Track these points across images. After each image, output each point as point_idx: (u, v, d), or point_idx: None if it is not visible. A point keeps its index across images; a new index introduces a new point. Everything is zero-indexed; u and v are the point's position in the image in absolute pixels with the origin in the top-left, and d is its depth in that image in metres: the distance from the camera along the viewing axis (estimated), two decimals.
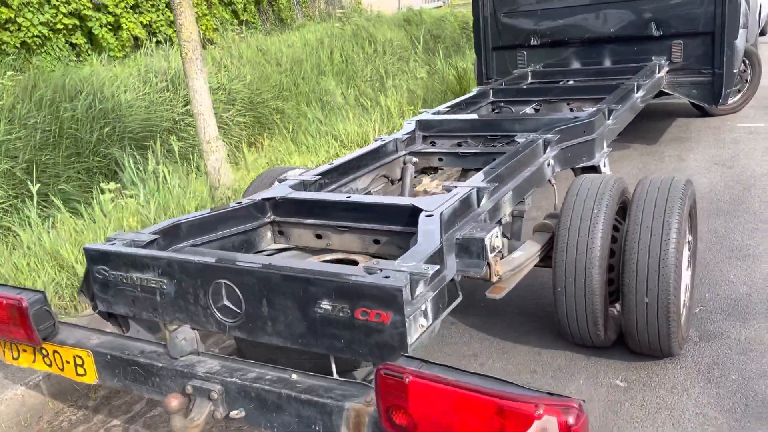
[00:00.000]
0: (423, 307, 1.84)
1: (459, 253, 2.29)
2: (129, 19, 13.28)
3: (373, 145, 3.56)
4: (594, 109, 3.92)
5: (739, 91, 6.88)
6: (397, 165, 3.68)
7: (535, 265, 2.94)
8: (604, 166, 3.76)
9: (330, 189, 3.07)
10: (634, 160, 5.85)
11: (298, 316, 1.87)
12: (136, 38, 13.43)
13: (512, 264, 2.69)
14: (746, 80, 6.85)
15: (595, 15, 5.75)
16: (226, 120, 9.04)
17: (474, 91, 5.19)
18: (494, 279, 2.39)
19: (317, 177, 2.98)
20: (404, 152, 3.71)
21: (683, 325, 2.95)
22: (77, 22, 12.49)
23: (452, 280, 2.23)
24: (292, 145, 7.27)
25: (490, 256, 2.29)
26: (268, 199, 2.71)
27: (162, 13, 14.27)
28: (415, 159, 3.71)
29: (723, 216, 4.39)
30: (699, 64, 5.56)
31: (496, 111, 5.10)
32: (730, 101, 6.86)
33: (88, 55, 12.86)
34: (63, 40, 12.65)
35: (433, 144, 4.08)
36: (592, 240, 2.72)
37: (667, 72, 5.65)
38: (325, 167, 3.16)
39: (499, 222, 2.84)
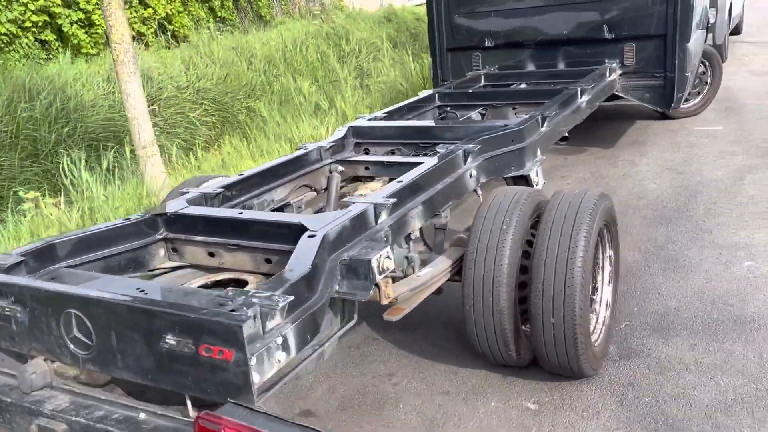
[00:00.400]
0: (279, 341, 1.71)
1: (347, 274, 2.16)
2: (102, 15, 13.07)
3: (293, 154, 3.42)
4: (526, 116, 3.79)
5: (699, 93, 6.77)
6: (323, 174, 3.54)
7: (447, 281, 2.82)
8: (537, 175, 3.64)
9: (236, 202, 2.93)
10: (588, 164, 5.74)
11: (145, 350, 1.73)
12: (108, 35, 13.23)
13: (415, 282, 2.56)
14: (706, 82, 6.75)
15: (548, 17, 5.62)
16: (193, 119, 8.88)
17: (420, 94, 5.06)
18: (385, 302, 2.26)
19: (220, 190, 2.84)
20: (330, 160, 3.57)
21: (599, 344, 2.83)
22: (47, 19, 12.23)
23: (348, 300, 2.12)
24: (248, 148, 7.12)
25: (379, 277, 2.16)
26: (160, 215, 2.57)
27: (135, 10, 14.04)
28: (341, 168, 3.57)
29: (665, 224, 4.28)
30: (651, 68, 5.45)
31: (441, 116, 4.97)
32: (689, 104, 6.77)
33: (59, 52, 12.63)
34: (32, 38, 12.43)
35: (366, 152, 3.94)
36: (501, 257, 2.60)
37: (621, 75, 5.54)
38: (234, 178, 3.02)
39: (409, 237, 2.72)
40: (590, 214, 2.60)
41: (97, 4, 13.05)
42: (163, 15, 14.20)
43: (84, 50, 12.69)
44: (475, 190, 3.33)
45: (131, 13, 13.64)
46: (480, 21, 5.89)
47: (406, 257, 2.78)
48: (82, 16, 12.95)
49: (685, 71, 5.30)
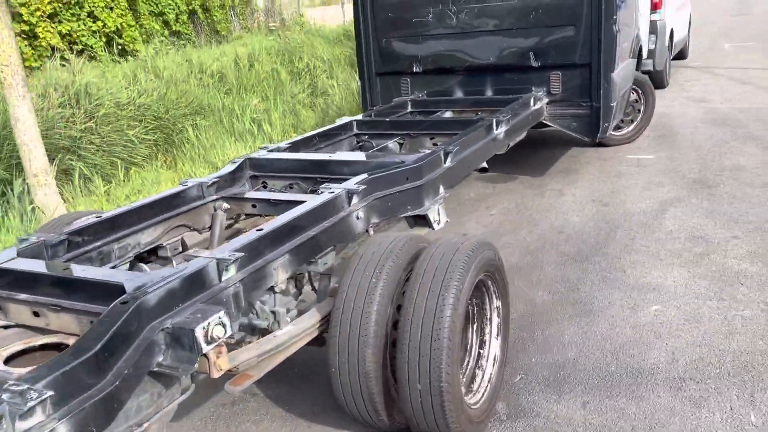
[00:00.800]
0: None
1: (171, 344, 1.89)
2: (46, 28, 12.63)
3: (170, 191, 3.14)
4: (427, 152, 3.57)
5: (633, 121, 6.67)
6: (206, 212, 3.27)
7: (317, 337, 2.56)
8: (437, 213, 3.41)
9: (89, 248, 2.63)
10: (516, 193, 5.55)
11: None
12: (54, 48, 12.77)
13: (267, 345, 2.30)
14: (639, 110, 6.65)
15: (476, 44, 5.44)
16: (131, 137, 8.50)
17: (337, 121, 4.82)
18: (216, 374, 2.00)
19: (65, 236, 2.55)
20: (214, 197, 3.30)
21: (482, 404, 2.60)
22: None
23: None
24: (174, 171, 6.82)
25: (207, 347, 1.89)
26: None
27: (84, 23, 13.61)
28: (226, 205, 3.30)
29: (581, 262, 4.10)
30: (578, 96, 5.29)
31: (359, 144, 4.74)
32: (623, 131, 6.66)
33: None
34: None
35: (264, 186, 3.68)
36: (368, 315, 2.35)
37: (548, 103, 5.38)
38: (91, 220, 2.73)
39: (272, 289, 2.46)
40: (463, 268, 2.37)
41: (41, 17, 12.64)
42: (113, 28, 13.80)
43: (27, 63, 12.22)
44: (367, 231, 3.09)
45: (79, 26, 13.23)
46: (408, 45, 5.69)
47: (273, 311, 2.52)
48: (26, 28, 12.52)
49: (610, 101, 5.16)
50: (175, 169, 6.92)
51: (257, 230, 2.42)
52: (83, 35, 13.37)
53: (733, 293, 3.53)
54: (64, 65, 11.12)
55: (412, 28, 5.62)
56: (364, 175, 3.06)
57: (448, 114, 5.36)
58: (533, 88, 5.38)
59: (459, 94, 5.69)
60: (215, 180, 3.31)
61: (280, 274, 2.43)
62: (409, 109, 5.54)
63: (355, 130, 4.76)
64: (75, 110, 8.65)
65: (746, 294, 3.52)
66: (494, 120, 4.27)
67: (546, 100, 5.36)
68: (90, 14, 13.49)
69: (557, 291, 3.75)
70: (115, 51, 13.26)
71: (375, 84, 5.93)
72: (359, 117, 4.91)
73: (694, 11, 13.32)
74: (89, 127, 8.45)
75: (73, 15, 13.25)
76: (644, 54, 8.62)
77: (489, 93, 5.58)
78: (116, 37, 13.84)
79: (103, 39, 13.74)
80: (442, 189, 3.50)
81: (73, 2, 13.12)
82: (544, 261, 4.14)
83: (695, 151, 6.24)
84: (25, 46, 12.32)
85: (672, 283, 3.71)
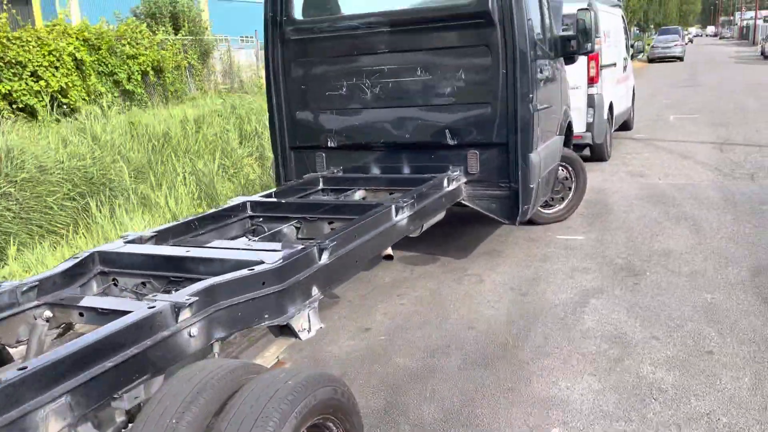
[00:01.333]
0: None
1: None
2: None
3: None
4: (297, 248, 3.11)
5: (563, 199, 6.35)
6: (22, 322, 2.74)
7: None
8: (307, 320, 2.94)
9: None
10: (433, 278, 5.11)
11: None
12: None
13: None
14: (570, 188, 6.34)
15: (391, 119, 5.10)
16: (51, 203, 7.93)
17: (229, 202, 4.36)
18: None
19: None
20: (35, 303, 2.78)
21: None
22: None
23: None
24: (58, 249, 6.26)
25: None
26: None
27: (25, 82, 13.12)
28: (49, 313, 2.78)
29: (485, 367, 3.62)
30: (496, 177, 4.94)
31: (252, 228, 4.28)
32: (553, 209, 6.33)
33: None
34: None
35: (115, 283, 3.17)
36: None
37: (467, 183, 5.01)
38: None
39: None
40: (279, 417, 1.88)
41: None
42: (57, 88, 13.33)
43: None
44: (211, 346, 2.59)
45: (20, 86, 12.75)
46: (322, 119, 5.32)
47: None
48: None
49: (529, 183, 4.81)
50: (66, 244, 6.35)
51: (20, 368, 1.90)
52: (24, 95, 12.88)
53: (644, 412, 3.08)
54: None
55: (325, 101, 5.26)
56: (205, 283, 2.57)
57: (359, 194, 4.95)
58: (450, 167, 5.02)
59: (376, 171, 5.31)
60: (36, 283, 2.79)
61: (52, 425, 1.90)
62: (321, 186, 5.13)
63: (249, 212, 4.30)
64: None
65: (658, 412, 3.07)
66: (393, 206, 3.86)
67: (464, 179, 4.99)
68: (33, 74, 13.04)
69: (450, 408, 3.25)
70: (57, 111, 12.77)
71: (289, 158, 5.52)
72: (255, 197, 4.45)
73: (647, 83, 13.44)
74: (6, 192, 7.88)
75: (14, 74, 12.78)
76: (581, 128, 8.45)
77: (407, 171, 5.20)
78: (60, 97, 13.37)
79: (46, 98, 13.25)
80: (316, 290, 3.03)
81: (14, 62, 12.68)
82: (444, 366, 3.66)
83: (626, 232, 5.91)
84: None
85: (579, 397, 3.25)
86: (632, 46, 11.76)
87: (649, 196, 7.14)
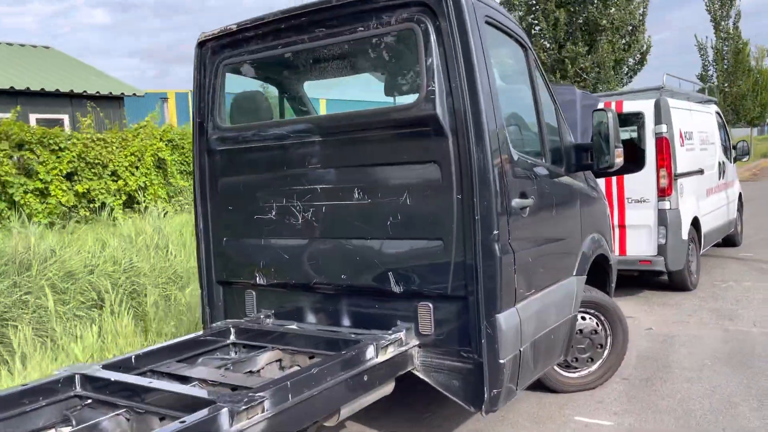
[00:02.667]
0: None
1: None
2: (59, 187, 12.21)
3: None
4: None
5: (592, 360, 4.54)
6: None
7: None
8: None
9: None
10: None
11: None
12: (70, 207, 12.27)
13: None
14: (600, 345, 4.53)
15: (325, 253, 3.73)
16: (60, 314, 7.19)
17: (56, 372, 3.13)
18: None
19: None
20: None
21: None
22: None
23: None
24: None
25: None
26: None
27: (104, 181, 13.15)
28: None
29: None
30: (456, 343, 3.38)
31: (74, 411, 3.01)
32: (580, 373, 4.53)
33: (8, 220, 11.65)
34: None
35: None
36: None
37: (421, 346, 3.48)
38: None
39: None
40: None
41: (57, 174, 12.26)
42: (134, 187, 13.28)
43: (36, 219, 11.69)
44: None
45: (99, 184, 12.78)
46: (250, 249, 4.06)
47: None
48: (40, 185, 12.14)
49: (498, 356, 3.19)
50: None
51: None
52: (101, 193, 12.86)
53: None
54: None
55: (254, 227, 4.02)
56: None
57: (265, 358, 3.58)
58: (399, 322, 3.53)
59: (312, 319, 3.91)
60: None
61: None
62: (231, 339, 3.82)
63: (78, 389, 3.05)
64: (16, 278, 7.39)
65: None
66: (226, 409, 2.44)
67: (415, 341, 3.47)
68: (113, 173, 13.06)
69: None
70: (138, 208, 12.48)
71: (216, 295, 4.28)
72: (93, 368, 3.17)
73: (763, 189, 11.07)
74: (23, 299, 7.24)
75: (94, 174, 12.86)
76: (651, 250, 6.60)
77: (347, 323, 3.77)
78: (138, 195, 13.22)
79: (123, 197, 13.19)
80: None
81: (94, 162, 12.77)
82: None
83: (679, 419, 3.99)
84: (38, 203, 11.91)
85: None
86: (734, 147, 9.66)
87: (732, 355, 5.09)
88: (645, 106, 6.81)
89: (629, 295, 7.20)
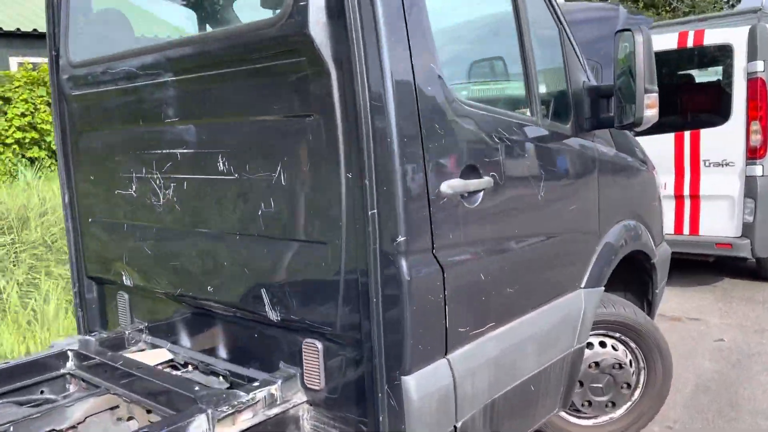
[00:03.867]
0: None
1: None
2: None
3: None
4: None
5: (613, 405, 3.12)
6: None
7: None
8: None
9: None
10: None
11: None
12: None
13: None
14: (628, 385, 3.09)
15: (189, 251, 2.48)
16: None
17: None
18: None
19: None
20: None
21: None
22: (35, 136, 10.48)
23: None
24: None
25: None
26: None
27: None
28: None
29: None
30: (354, 410, 2.12)
31: None
32: (596, 421, 3.15)
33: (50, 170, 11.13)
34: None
35: None
36: None
37: (310, 404, 2.25)
38: None
39: None
40: None
41: None
42: None
43: None
44: None
45: None
46: (115, 236, 2.89)
47: None
48: None
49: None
50: None
51: None
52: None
53: None
54: None
55: (116, 205, 2.86)
56: None
57: (89, 405, 2.46)
58: (282, 365, 2.31)
59: (186, 343, 2.77)
60: None
61: None
62: (69, 367, 2.73)
63: None
64: None
65: None
66: None
67: (301, 398, 2.24)
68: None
69: None
70: None
71: (90, 293, 3.20)
72: None
73: None
74: None
75: None
76: (733, 231, 5.00)
77: (223, 354, 2.59)
78: None
79: None
80: None
81: None
82: None
83: None
84: None
85: None
86: None
87: None
88: (735, 36, 5.03)
89: (701, 284, 5.59)
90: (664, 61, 5.12)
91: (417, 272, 1.86)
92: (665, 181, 5.19)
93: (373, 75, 1.79)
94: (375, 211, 1.83)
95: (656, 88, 2.35)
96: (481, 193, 2.08)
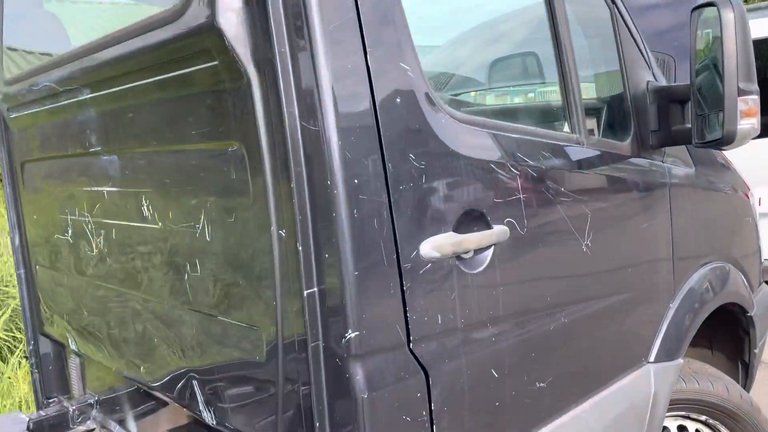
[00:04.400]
0: None
1: None
2: None
3: None
4: None
5: None
6: None
7: None
8: None
9: None
10: None
11: None
12: None
13: None
14: None
15: (121, 319, 1.95)
16: None
17: None
18: None
19: None
20: None
21: None
22: None
23: None
24: None
25: None
26: None
27: None
28: None
29: None
30: None
31: None
32: None
33: None
34: None
35: None
36: None
37: None
38: None
39: None
40: None
41: None
42: None
43: None
44: None
45: None
46: (59, 289, 2.39)
47: None
48: None
49: None
50: None
51: None
52: None
53: None
54: None
55: (56, 250, 2.35)
56: None
57: None
58: None
59: (132, 428, 2.22)
60: None
61: None
62: None
63: None
64: None
65: None
66: None
67: None
68: None
69: None
70: None
71: (45, 352, 2.70)
72: None
73: None
74: None
75: None
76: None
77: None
78: None
79: None
80: None
81: None
82: None
83: None
84: None
85: None
86: None
87: None
88: None
89: None
90: (763, 51, 4.23)
91: (380, 382, 1.21)
92: (759, 195, 4.29)
93: (306, 82, 1.16)
94: (314, 290, 1.19)
95: (756, 87, 1.61)
96: (491, 251, 1.40)
